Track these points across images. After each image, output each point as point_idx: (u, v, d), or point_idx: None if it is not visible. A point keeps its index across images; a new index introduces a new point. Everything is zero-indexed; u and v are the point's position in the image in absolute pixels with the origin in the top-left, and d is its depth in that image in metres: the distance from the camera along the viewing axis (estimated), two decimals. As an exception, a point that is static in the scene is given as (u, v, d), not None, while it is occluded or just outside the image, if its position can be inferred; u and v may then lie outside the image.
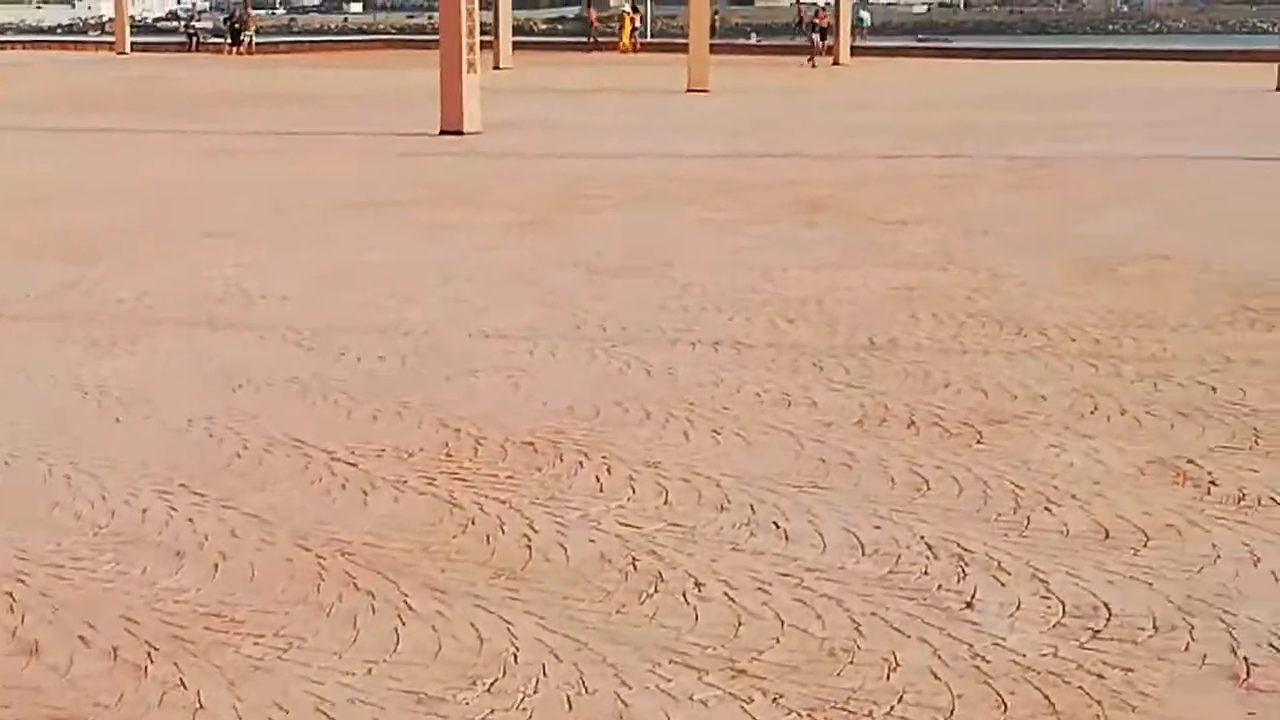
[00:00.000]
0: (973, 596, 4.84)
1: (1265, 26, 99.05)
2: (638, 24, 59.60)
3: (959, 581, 4.97)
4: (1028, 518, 5.61)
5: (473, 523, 5.58)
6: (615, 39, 56.72)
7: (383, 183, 16.74)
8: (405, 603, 4.82)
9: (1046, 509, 5.71)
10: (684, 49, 36.09)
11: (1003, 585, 4.94)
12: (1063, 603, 4.79)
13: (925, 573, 5.05)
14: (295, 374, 7.87)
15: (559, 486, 6.00)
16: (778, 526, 5.52)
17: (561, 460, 6.35)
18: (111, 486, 5.99)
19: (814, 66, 44.79)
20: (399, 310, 9.52)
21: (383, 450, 6.50)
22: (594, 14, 63.06)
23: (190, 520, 5.61)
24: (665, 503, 5.80)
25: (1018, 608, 4.75)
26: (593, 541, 5.37)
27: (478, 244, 12.27)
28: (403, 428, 6.87)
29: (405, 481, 6.06)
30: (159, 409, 7.22)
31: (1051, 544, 5.33)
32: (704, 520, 5.59)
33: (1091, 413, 7.08)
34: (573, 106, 28.95)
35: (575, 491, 5.94)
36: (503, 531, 5.48)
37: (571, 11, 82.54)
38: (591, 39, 57.78)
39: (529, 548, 5.31)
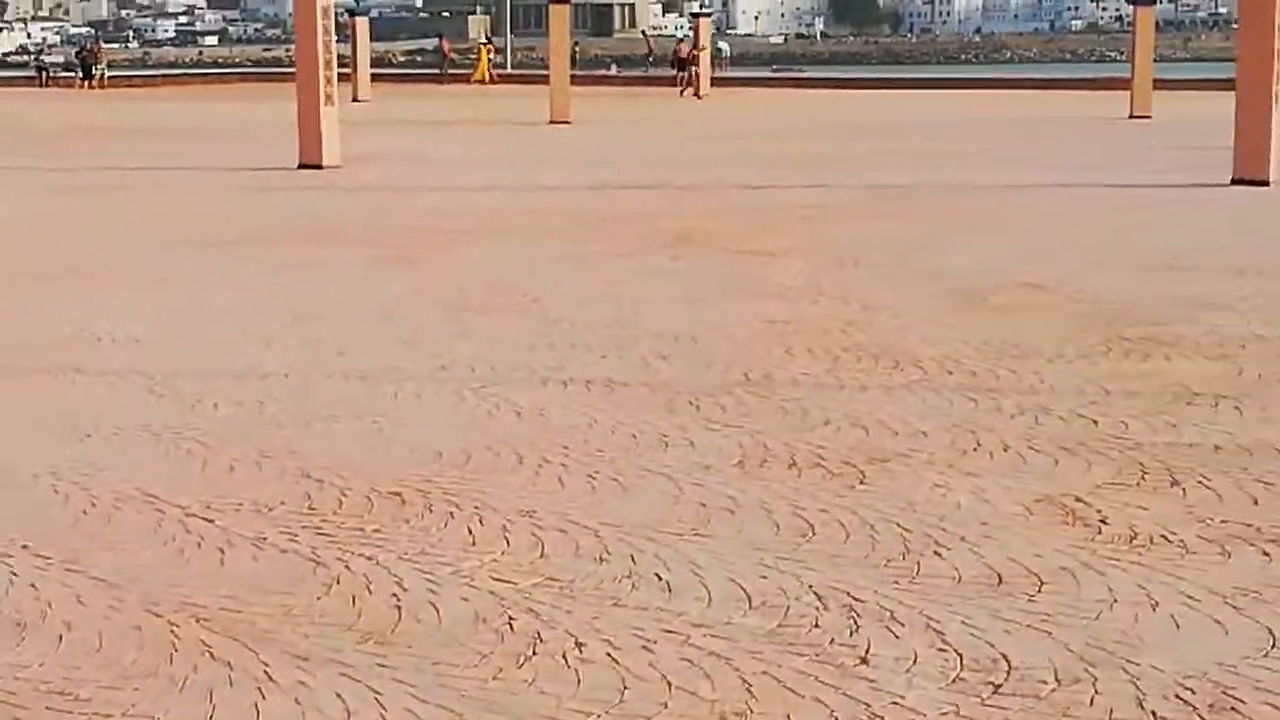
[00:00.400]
0: (867, 651, 4.62)
1: (1113, 55, 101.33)
2: (494, 56, 59.25)
3: (851, 635, 4.74)
4: (917, 563, 5.40)
5: (338, 582, 5.26)
6: (470, 71, 56.31)
7: (239, 219, 16.29)
8: (265, 673, 4.49)
9: (936, 553, 5.51)
10: (544, 80, 35.90)
11: (897, 638, 4.72)
12: (960, 655, 4.58)
13: (816, 625, 4.83)
14: (146, 422, 7.47)
15: (429, 540, 5.69)
16: (660, 578, 5.26)
17: (431, 511, 6.04)
18: (-54, 550, 5.58)
19: (683, 96, 44.93)
20: (256, 353, 9.14)
21: (240, 504, 6.15)
22: (448, 45, 62.52)
23: (33, 586, 5.24)
24: (541, 555, 5.52)
25: (914, 662, 4.54)
26: (466, 600, 5.08)
27: (337, 282, 11.92)
28: (262, 479, 6.52)
29: (265, 538, 5.72)
30: None
31: (944, 591, 5.13)
32: (583, 573, 5.32)
33: (974, 449, 6.92)
34: (433, 139, 28.60)
35: (446, 545, 5.64)
36: (370, 591, 5.17)
37: (431, 44, 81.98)
38: (444, 71, 57.17)
39: (398, 608, 5.01)
